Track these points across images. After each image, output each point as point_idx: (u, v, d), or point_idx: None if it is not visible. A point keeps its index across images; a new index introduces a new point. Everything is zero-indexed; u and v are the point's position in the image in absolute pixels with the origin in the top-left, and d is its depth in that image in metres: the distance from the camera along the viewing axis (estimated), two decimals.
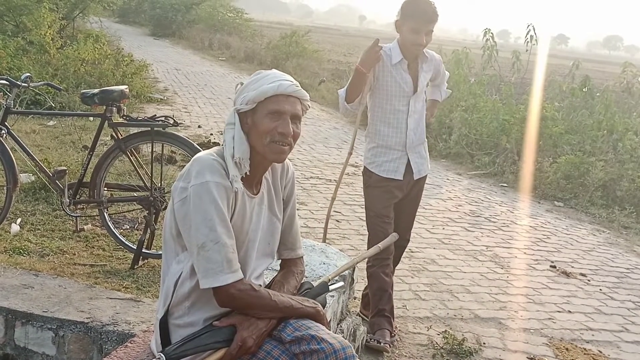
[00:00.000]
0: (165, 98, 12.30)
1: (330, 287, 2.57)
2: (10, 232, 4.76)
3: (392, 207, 3.96)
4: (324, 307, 2.40)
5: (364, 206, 4.10)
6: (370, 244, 3.92)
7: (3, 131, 4.53)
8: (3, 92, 4.57)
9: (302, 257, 2.55)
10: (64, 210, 4.66)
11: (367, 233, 4.02)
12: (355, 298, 4.35)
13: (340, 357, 2.10)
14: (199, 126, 10.04)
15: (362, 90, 3.81)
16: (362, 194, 4.13)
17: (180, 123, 4.77)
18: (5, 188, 4.66)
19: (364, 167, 4.04)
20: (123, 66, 11.91)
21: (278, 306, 2.18)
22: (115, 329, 3.35)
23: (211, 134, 9.45)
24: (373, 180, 3.95)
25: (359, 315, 4.19)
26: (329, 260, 3.38)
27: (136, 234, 4.95)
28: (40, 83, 5.00)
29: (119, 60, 12.16)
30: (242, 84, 2.26)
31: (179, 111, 11.10)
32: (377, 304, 3.91)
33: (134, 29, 31.46)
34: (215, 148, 2.25)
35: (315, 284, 2.53)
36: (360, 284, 4.34)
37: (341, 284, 2.79)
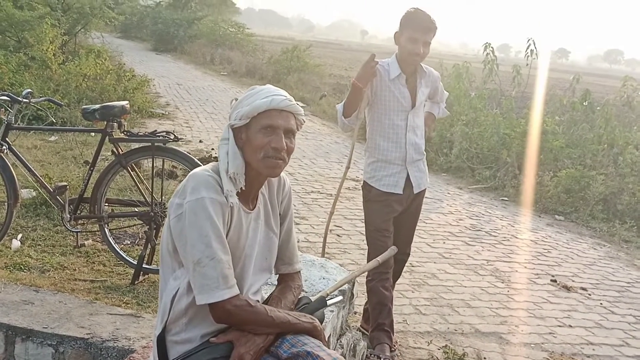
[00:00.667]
0: (167, 113, 12.34)
1: (329, 302, 2.57)
2: (10, 248, 4.76)
3: (391, 221, 3.96)
4: (322, 322, 2.40)
5: (364, 220, 4.10)
6: (369, 258, 3.93)
7: (4, 147, 4.55)
8: (4, 107, 4.59)
9: (299, 271, 2.55)
10: (64, 225, 4.66)
11: (367, 247, 4.03)
12: (355, 313, 4.34)
13: None
14: (200, 141, 10.06)
15: (359, 105, 3.84)
16: (362, 208, 4.14)
17: (182, 138, 4.79)
18: (6, 204, 4.67)
19: (364, 181, 4.05)
20: (125, 81, 11.95)
21: (275, 322, 2.18)
22: (115, 344, 3.35)
23: (212, 149, 9.47)
24: (373, 194, 3.96)
25: (360, 330, 4.19)
26: (328, 275, 3.38)
27: (137, 250, 4.95)
28: (41, 99, 5.02)
29: (121, 75, 12.21)
30: (236, 99, 2.27)
31: (180, 126, 11.14)
32: (377, 318, 3.91)
33: (136, 44, 31.65)
34: (211, 164, 2.26)
35: (313, 299, 2.53)
36: (361, 298, 4.34)
37: (340, 298, 2.79)
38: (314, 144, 11.41)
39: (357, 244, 6.12)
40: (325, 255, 4.30)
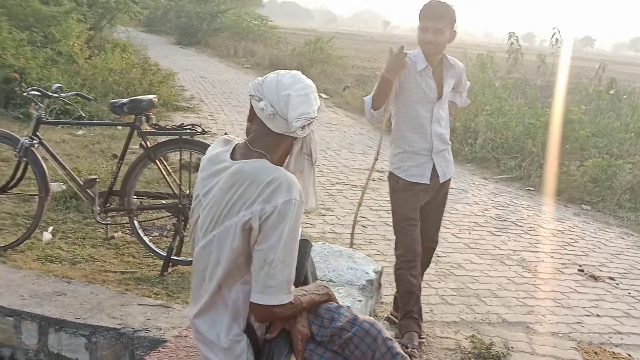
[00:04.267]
0: (192, 106, 12.40)
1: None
2: (42, 241, 4.85)
3: (418, 210, 3.97)
4: (315, 270, 2.58)
5: (390, 211, 4.12)
6: (397, 247, 3.96)
7: (35, 141, 4.63)
8: (35, 102, 4.67)
9: None
10: (94, 218, 4.74)
11: (394, 237, 4.04)
12: (382, 303, 4.37)
13: (373, 334, 2.27)
14: (225, 133, 10.06)
15: (388, 97, 3.85)
16: (388, 199, 4.15)
17: (208, 131, 4.82)
18: (37, 197, 4.76)
19: (390, 172, 4.06)
20: (150, 75, 12.02)
21: (306, 308, 2.29)
22: (146, 334, 3.42)
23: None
24: (400, 185, 3.97)
25: (389, 318, 4.22)
26: (356, 265, 3.41)
27: (165, 241, 5.01)
28: (70, 93, 5.08)
29: (146, 69, 12.28)
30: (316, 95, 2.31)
31: (205, 119, 11.20)
32: (405, 306, 3.93)
33: (160, 38, 31.78)
34: (280, 168, 2.24)
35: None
36: (388, 288, 4.36)
37: None
38: (338, 135, 11.41)
39: (382, 234, 6.14)
40: (352, 246, 4.32)
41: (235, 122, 11.33)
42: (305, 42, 23.05)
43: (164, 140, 4.64)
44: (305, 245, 2.47)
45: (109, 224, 4.87)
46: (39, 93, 4.64)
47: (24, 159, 4.61)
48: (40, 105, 4.65)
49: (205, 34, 29.52)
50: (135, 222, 4.73)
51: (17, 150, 4.61)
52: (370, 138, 11.35)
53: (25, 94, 4.70)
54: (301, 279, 2.40)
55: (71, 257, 4.61)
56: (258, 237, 2.13)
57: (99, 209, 4.66)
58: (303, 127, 2.21)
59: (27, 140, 4.59)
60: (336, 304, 2.39)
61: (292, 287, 2.19)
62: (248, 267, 2.19)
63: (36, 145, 4.64)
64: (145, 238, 4.79)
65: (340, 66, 21.26)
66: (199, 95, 14.14)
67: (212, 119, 11.36)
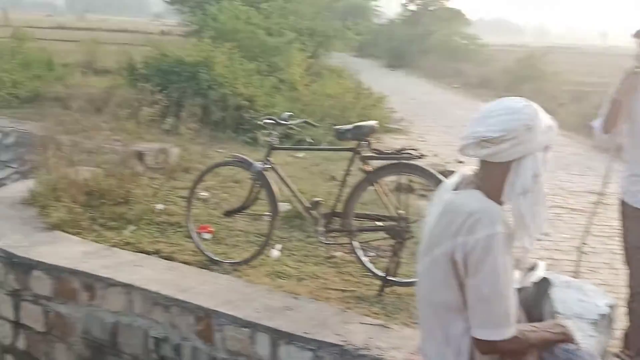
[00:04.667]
0: (401, 128, 12.58)
1: (539, 275, 2.50)
2: (270, 257, 5.22)
3: None
4: (553, 309, 2.43)
5: (613, 238, 3.91)
6: (630, 279, 3.74)
7: (268, 165, 5.03)
8: (268, 130, 5.09)
9: None
10: (318, 238, 5.01)
11: (623, 267, 3.83)
12: (615, 339, 4.13)
13: None
14: (435, 155, 10.09)
15: (620, 120, 3.66)
16: (611, 224, 3.96)
17: (425, 155, 4.91)
18: (267, 217, 5.14)
19: (620, 196, 3.87)
20: (363, 99, 12.37)
21: (536, 345, 2.22)
22: (368, 353, 3.54)
23: (447, 162, 9.43)
24: (627, 210, 3.77)
25: (619, 355, 3.98)
26: (586, 297, 3.26)
27: (381, 262, 5.14)
28: (298, 121, 5.48)
29: (359, 93, 12.66)
30: (529, 127, 2.28)
31: (414, 140, 11.28)
32: (639, 343, 3.70)
33: (371, 62, 32.53)
34: (478, 193, 2.23)
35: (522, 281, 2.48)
36: (621, 323, 4.11)
37: (541, 264, 2.63)
38: (553, 155, 10.87)
39: (607, 262, 5.78)
40: (573, 275, 4.15)
41: (446, 143, 11.27)
42: (515, 58, 22.41)
43: (383, 164, 4.80)
44: (545, 285, 2.44)
45: (330, 243, 5.11)
46: (273, 121, 5.06)
47: (258, 182, 5.02)
48: (273, 132, 5.06)
49: (414, 56, 29.84)
50: (355, 243, 4.93)
51: (252, 174, 5.03)
52: (588, 158, 10.73)
53: (261, 122, 5.14)
54: (537, 317, 2.36)
55: (297, 274, 4.89)
56: (466, 271, 2.13)
57: (322, 229, 4.93)
58: (483, 147, 2.18)
59: (260, 165, 5.00)
60: (575, 346, 2.30)
61: (514, 319, 2.15)
62: (466, 303, 2.19)
63: (268, 170, 5.04)
64: (364, 258, 4.95)
65: (554, 82, 20.36)
66: (408, 116, 14.21)
67: (421, 140, 11.44)
